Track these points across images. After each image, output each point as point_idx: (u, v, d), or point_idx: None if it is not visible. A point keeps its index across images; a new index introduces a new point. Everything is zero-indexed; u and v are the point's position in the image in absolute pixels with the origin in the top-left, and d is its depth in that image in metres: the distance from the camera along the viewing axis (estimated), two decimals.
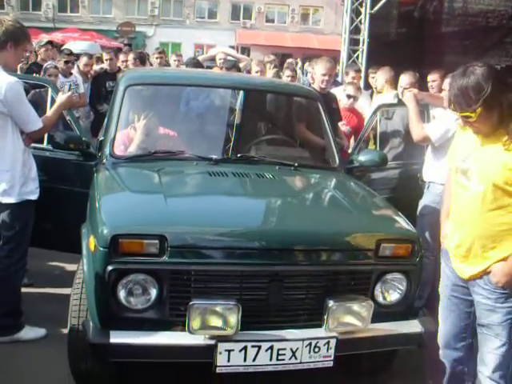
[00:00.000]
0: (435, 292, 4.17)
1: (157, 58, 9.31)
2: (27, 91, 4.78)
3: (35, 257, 4.69)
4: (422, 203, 5.02)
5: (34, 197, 4.18)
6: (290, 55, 30.71)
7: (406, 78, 6.04)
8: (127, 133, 4.34)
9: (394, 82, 6.72)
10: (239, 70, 8.15)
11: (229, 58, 8.93)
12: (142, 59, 9.57)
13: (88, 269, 3.21)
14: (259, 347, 3.04)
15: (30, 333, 4.25)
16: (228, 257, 3.11)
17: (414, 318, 3.49)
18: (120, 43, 28.73)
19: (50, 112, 4.41)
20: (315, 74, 6.13)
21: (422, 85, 6.40)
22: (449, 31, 12.41)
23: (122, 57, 9.40)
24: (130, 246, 3.01)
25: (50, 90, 4.79)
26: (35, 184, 4.20)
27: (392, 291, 3.40)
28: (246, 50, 35.35)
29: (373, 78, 7.95)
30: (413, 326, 3.43)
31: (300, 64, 22.22)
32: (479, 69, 2.95)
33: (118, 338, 2.99)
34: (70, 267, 3.93)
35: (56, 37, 26.43)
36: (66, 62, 8.08)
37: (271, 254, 3.16)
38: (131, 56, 9.21)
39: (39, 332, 4.28)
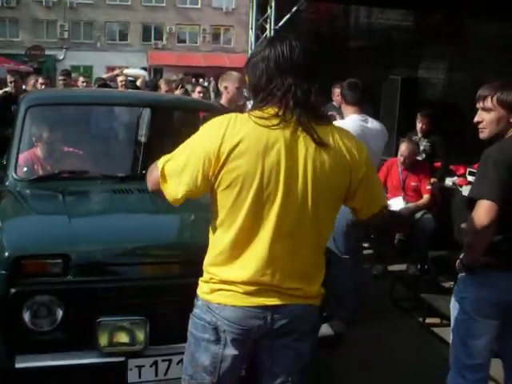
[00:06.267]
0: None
1: (60, 80, 9.10)
2: None
3: None
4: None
5: None
6: (203, 75, 30.90)
7: None
8: (30, 154, 4.27)
9: None
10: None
11: (130, 78, 8.92)
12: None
13: None
14: (170, 361, 3.03)
15: None
16: (132, 273, 3.11)
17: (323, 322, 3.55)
18: (29, 67, 28.06)
19: None
20: (227, 89, 5.78)
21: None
22: (356, 46, 12.78)
23: (31, 80, 9.11)
24: (33, 266, 2.95)
25: None
26: None
27: None
28: (158, 71, 35.25)
29: None
30: (322, 329, 3.49)
31: (213, 83, 22.33)
32: None
33: (24, 362, 2.91)
34: None
35: None
36: None
37: (176, 267, 3.18)
38: (40, 80, 8.93)
39: None
